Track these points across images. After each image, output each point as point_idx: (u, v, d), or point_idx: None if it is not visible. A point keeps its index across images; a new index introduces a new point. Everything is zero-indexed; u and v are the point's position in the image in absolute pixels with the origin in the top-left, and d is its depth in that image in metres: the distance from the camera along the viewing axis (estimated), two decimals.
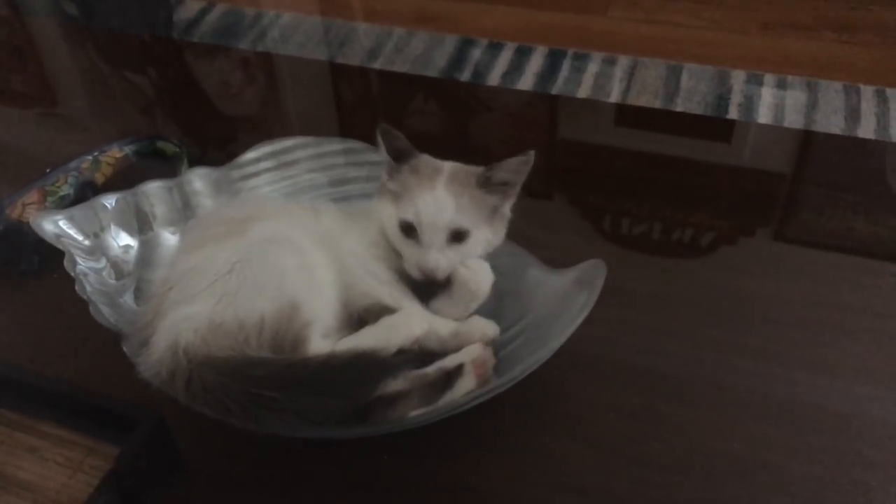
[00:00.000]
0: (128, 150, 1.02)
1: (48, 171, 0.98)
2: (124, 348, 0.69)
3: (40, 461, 0.70)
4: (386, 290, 0.73)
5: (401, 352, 0.67)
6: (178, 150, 1.03)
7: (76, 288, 0.74)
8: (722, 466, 0.70)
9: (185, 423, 0.69)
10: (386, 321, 0.69)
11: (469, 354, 0.69)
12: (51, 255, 0.85)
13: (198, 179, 0.86)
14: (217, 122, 1.18)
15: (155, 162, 1.04)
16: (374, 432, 0.65)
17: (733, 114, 1.77)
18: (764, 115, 1.74)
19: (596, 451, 0.72)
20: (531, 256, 0.80)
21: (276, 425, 0.63)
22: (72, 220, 0.81)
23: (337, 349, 0.66)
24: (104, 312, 0.72)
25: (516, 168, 0.73)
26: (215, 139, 1.11)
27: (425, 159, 0.75)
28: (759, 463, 0.70)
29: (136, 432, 0.68)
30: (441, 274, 0.72)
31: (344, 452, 0.71)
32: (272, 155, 0.88)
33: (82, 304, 0.73)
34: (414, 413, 0.65)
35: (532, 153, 0.71)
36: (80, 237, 0.80)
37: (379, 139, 0.74)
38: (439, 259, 0.71)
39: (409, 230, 0.72)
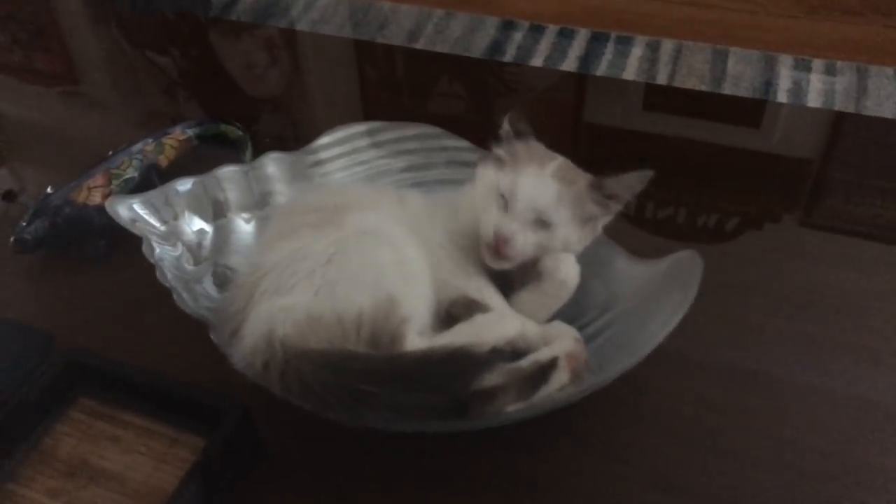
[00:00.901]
0: (191, 132, 1.01)
1: (111, 153, 0.97)
2: (212, 336, 0.68)
3: (124, 452, 0.69)
4: (473, 283, 0.71)
5: (494, 350, 0.65)
6: (241, 133, 1.01)
7: (157, 275, 0.72)
8: (813, 464, 0.69)
9: (269, 413, 0.68)
10: (480, 319, 0.67)
11: (562, 348, 0.67)
12: (118, 240, 0.84)
13: (271, 164, 0.84)
14: (267, 104, 1.16)
15: (218, 145, 1.02)
16: (471, 427, 0.64)
17: (782, 99, 1.73)
18: (813, 101, 1.71)
19: (685, 447, 0.71)
20: (615, 245, 0.78)
21: (374, 419, 0.61)
22: (147, 204, 0.79)
23: (433, 345, 0.65)
24: (188, 301, 0.70)
25: (631, 184, 0.70)
26: (270, 120, 1.09)
27: (541, 146, 0.73)
28: (852, 461, 0.69)
29: (222, 424, 0.67)
30: (515, 253, 0.69)
31: (432, 445, 0.70)
32: (345, 140, 0.86)
33: (158, 291, 0.72)
34: (511, 408, 0.63)
35: (650, 172, 0.68)
36: (155, 222, 0.79)
37: (506, 118, 0.72)
38: (517, 233, 0.68)
39: (502, 198, 0.70)
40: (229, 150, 1.01)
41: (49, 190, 0.92)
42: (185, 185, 0.81)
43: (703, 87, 1.74)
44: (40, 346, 0.78)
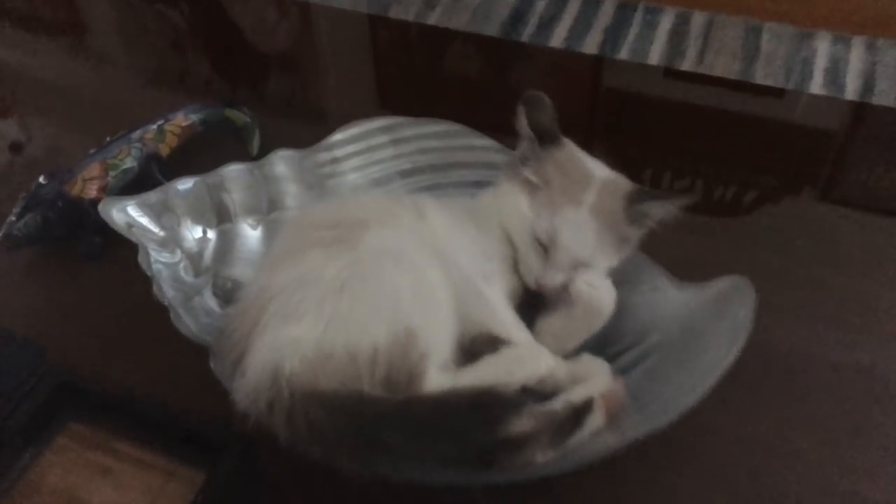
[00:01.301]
0: (194, 118, 0.93)
1: (108, 140, 0.90)
2: (212, 365, 0.61)
3: (115, 486, 0.64)
4: (496, 316, 0.64)
5: (524, 390, 0.59)
6: (248, 120, 0.94)
7: (153, 290, 0.66)
8: None
9: (273, 445, 0.62)
10: (510, 354, 0.61)
11: (598, 387, 0.61)
12: (114, 237, 0.77)
13: (281, 163, 0.77)
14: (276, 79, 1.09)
15: (223, 132, 0.95)
16: (496, 481, 0.57)
17: (818, 79, 1.65)
18: (852, 82, 1.62)
19: (731, 497, 0.65)
20: (654, 264, 0.71)
21: (390, 469, 0.55)
22: (144, 207, 0.73)
23: (456, 385, 0.58)
24: (186, 321, 0.64)
25: (669, 207, 0.64)
26: (279, 103, 1.01)
27: (571, 152, 0.67)
28: None
29: (224, 460, 0.61)
30: (554, 293, 0.64)
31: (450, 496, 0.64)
32: (360, 137, 0.79)
33: (157, 301, 0.66)
34: (540, 458, 0.57)
35: (691, 197, 0.63)
36: (153, 227, 0.72)
37: (520, 110, 0.65)
38: (560, 279, 0.64)
39: (539, 244, 0.63)
40: (235, 138, 0.94)
41: (41, 180, 0.86)
42: (185, 184, 0.74)
43: (736, 66, 1.65)
44: (31, 360, 0.71)
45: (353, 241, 0.62)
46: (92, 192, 0.85)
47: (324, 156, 0.78)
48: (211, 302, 0.70)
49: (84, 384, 0.67)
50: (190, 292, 0.70)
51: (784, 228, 0.85)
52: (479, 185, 0.78)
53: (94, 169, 0.86)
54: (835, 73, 1.65)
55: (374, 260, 0.61)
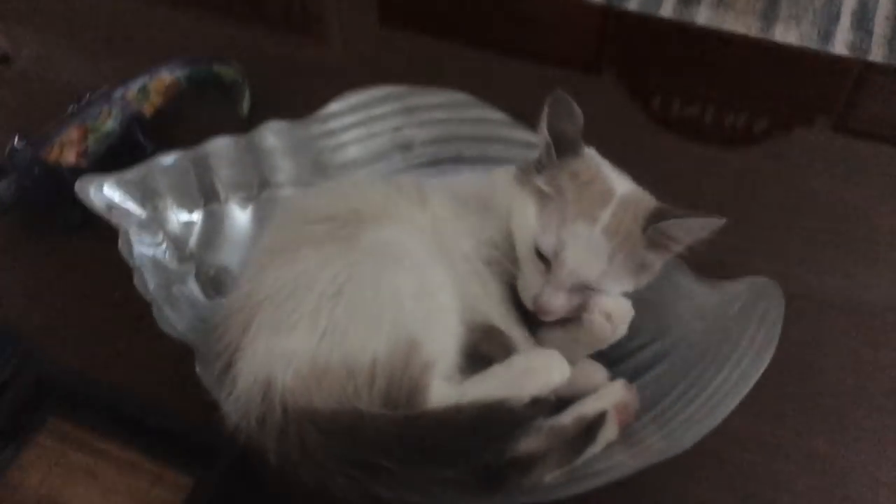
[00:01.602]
0: (180, 74, 0.87)
1: (87, 96, 0.84)
2: (198, 370, 0.57)
3: (100, 490, 0.60)
4: (498, 310, 0.60)
5: (535, 403, 0.55)
6: (238, 76, 0.87)
7: (135, 282, 0.62)
8: None
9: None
10: (520, 363, 0.56)
11: (612, 397, 0.57)
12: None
13: (272, 136, 0.71)
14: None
15: (211, 90, 0.88)
16: (511, 502, 0.54)
17: (845, 22, 1.56)
18: (879, 25, 1.53)
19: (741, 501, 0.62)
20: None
21: (387, 493, 0.52)
22: (123, 184, 0.67)
23: (462, 400, 0.54)
24: (171, 317, 0.60)
25: (696, 229, 0.56)
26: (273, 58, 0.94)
27: (592, 164, 0.59)
28: None
29: (215, 464, 0.58)
30: (552, 318, 0.59)
31: None
32: (359, 107, 0.73)
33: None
34: (549, 478, 0.54)
35: (720, 220, 0.55)
36: (134, 208, 0.67)
37: (545, 110, 0.57)
38: (558, 303, 0.58)
39: (542, 255, 0.58)
40: (223, 97, 0.88)
41: (16, 142, 0.80)
42: (168, 159, 0.69)
43: (759, 6, 1.55)
44: (2, 347, 0.67)
45: (349, 238, 0.57)
46: (70, 157, 0.79)
47: (318, 128, 0.72)
48: (195, 290, 0.66)
49: (65, 377, 0.63)
50: (173, 279, 0.65)
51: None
52: (487, 160, 0.72)
53: (72, 132, 0.80)
54: (862, 15, 1.56)
55: (372, 261, 0.56)
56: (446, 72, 0.91)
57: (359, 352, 0.53)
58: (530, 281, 0.59)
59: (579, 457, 0.55)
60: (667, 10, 1.61)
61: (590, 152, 0.60)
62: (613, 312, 0.58)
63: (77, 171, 0.79)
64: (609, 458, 0.55)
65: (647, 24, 0.99)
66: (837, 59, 0.95)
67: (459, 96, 0.74)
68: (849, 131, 0.93)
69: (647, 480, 0.59)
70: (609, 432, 0.56)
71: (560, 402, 0.57)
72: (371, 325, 0.54)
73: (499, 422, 0.53)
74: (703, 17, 1.61)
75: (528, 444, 0.53)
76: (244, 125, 0.85)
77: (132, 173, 0.68)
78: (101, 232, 0.71)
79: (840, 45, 1.53)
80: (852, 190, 0.83)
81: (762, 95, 0.93)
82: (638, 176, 0.62)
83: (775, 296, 0.58)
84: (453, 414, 0.53)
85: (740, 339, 0.58)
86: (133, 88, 0.84)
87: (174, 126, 0.86)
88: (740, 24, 1.58)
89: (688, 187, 0.74)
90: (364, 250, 0.56)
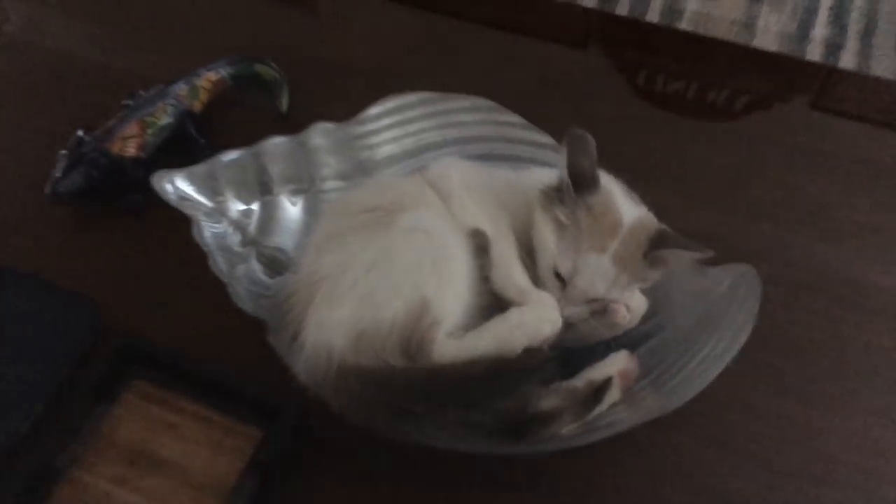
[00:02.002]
0: (224, 73, 0.96)
1: (140, 94, 0.93)
2: (270, 341, 0.68)
3: (181, 440, 0.71)
4: (512, 280, 0.69)
5: (528, 350, 0.65)
6: (277, 75, 0.97)
7: (210, 264, 0.72)
8: (847, 476, 0.72)
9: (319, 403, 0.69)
10: (515, 317, 0.66)
11: (617, 364, 0.68)
12: (155, 197, 0.82)
13: (319, 136, 0.81)
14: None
15: (253, 87, 0.98)
16: (530, 451, 0.65)
17: (822, 17, 1.67)
18: (854, 22, 1.64)
19: (725, 454, 0.73)
20: None
21: (423, 438, 0.63)
22: (192, 178, 0.77)
23: (464, 353, 0.64)
24: (241, 296, 0.70)
25: (686, 259, 0.67)
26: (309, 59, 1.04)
27: (607, 197, 0.67)
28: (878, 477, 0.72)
29: (282, 418, 0.69)
30: (570, 321, 0.69)
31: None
32: (394, 111, 0.83)
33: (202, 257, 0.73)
34: (566, 430, 0.65)
35: (710, 252, 0.65)
36: (201, 199, 0.77)
37: (564, 146, 0.66)
38: (572, 312, 0.68)
39: (559, 275, 0.68)
40: (264, 93, 0.97)
41: (80, 133, 0.89)
42: (230, 156, 0.79)
43: (742, 2, 1.66)
44: (88, 319, 0.78)
45: (388, 224, 0.67)
46: (131, 149, 0.89)
47: (358, 129, 0.82)
48: (257, 270, 0.76)
49: (146, 345, 0.74)
50: (236, 261, 0.75)
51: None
52: (506, 158, 0.83)
53: (132, 127, 0.89)
54: (839, 11, 1.67)
55: (403, 238, 0.66)
56: (460, 59, 1.02)
57: (384, 312, 0.63)
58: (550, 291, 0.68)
59: (589, 414, 0.66)
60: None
61: (605, 187, 0.68)
62: (632, 305, 0.69)
63: (137, 162, 0.89)
64: (614, 415, 0.67)
65: (635, 27, 1.09)
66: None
67: (481, 101, 0.84)
68: (826, 110, 1.02)
69: (644, 433, 0.71)
70: (614, 394, 0.67)
71: (571, 366, 0.68)
72: (394, 289, 0.64)
73: (504, 372, 0.64)
74: (693, 4, 1.71)
75: (548, 402, 0.64)
76: (283, 120, 0.96)
77: (199, 168, 0.77)
78: (161, 216, 0.81)
79: (818, 39, 1.64)
80: (825, 178, 0.93)
81: (743, 78, 1.03)
82: (623, 152, 0.71)
83: (753, 279, 0.70)
84: (467, 367, 0.63)
85: (723, 316, 0.69)
86: (184, 86, 0.93)
87: (220, 120, 0.96)
88: (727, 8, 1.68)
89: (668, 161, 0.84)
90: (398, 230, 0.67)
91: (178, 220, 0.76)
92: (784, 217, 0.89)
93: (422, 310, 0.63)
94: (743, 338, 0.66)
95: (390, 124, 0.83)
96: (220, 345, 0.76)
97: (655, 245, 0.66)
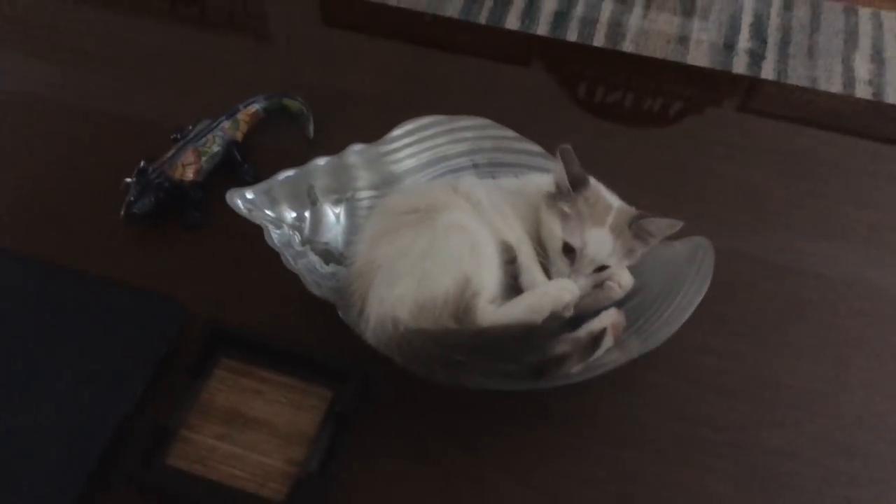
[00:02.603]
0: (258, 107, 1.14)
1: (190, 128, 1.10)
2: (341, 315, 0.86)
3: (267, 402, 0.88)
4: (529, 274, 0.90)
5: (553, 315, 0.85)
6: (303, 107, 1.15)
7: (283, 261, 0.90)
8: (786, 399, 0.93)
9: (375, 369, 0.87)
10: (542, 288, 0.87)
11: (609, 318, 0.88)
12: (210, 211, 1.03)
13: (353, 155, 1.00)
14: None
15: (281, 118, 1.16)
16: (545, 386, 0.84)
17: (745, 33, 1.91)
18: (773, 34, 1.89)
19: (694, 387, 0.94)
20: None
21: (468, 382, 0.82)
22: (257, 194, 0.95)
23: (502, 318, 0.84)
24: (310, 284, 0.88)
25: (663, 228, 0.88)
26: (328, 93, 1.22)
27: (596, 190, 0.89)
28: (821, 396, 0.93)
29: (351, 379, 0.87)
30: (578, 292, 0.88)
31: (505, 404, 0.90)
32: (413, 131, 1.02)
33: (258, 258, 0.92)
34: (574, 370, 0.84)
35: (680, 223, 0.86)
36: (265, 210, 0.95)
37: (559, 158, 0.88)
38: (582, 283, 0.88)
39: (568, 250, 0.88)
40: (291, 123, 1.16)
41: (142, 164, 1.06)
42: (285, 174, 0.97)
43: (676, 20, 1.89)
44: (174, 313, 0.95)
45: (430, 221, 0.87)
46: (190, 174, 1.06)
47: (385, 147, 1.01)
48: (315, 261, 0.94)
49: (228, 329, 0.91)
50: (298, 256, 0.93)
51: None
52: (503, 165, 1.03)
53: (189, 156, 1.06)
54: (759, 27, 1.91)
55: (444, 232, 0.86)
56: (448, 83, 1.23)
57: (438, 289, 0.83)
58: (560, 271, 0.89)
59: (591, 356, 0.85)
60: (606, 11, 1.93)
61: (593, 182, 0.90)
62: (622, 282, 0.91)
63: (195, 185, 1.06)
64: (609, 356, 0.86)
65: (578, 49, 1.30)
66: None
67: (481, 120, 1.03)
68: (745, 110, 1.25)
69: (630, 374, 0.91)
70: (608, 341, 0.87)
71: (577, 320, 0.88)
72: (444, 271, 0.84)
73: (534, 334, 0.83)
74: (636, 15, 1.93)
75: (559, 348, 0.84)
76: (310, 144, 1.14)
77: (261, 186, 0.95)
78: (216, 228, 1.00)
79: (742, 51, 1.87)
80: (753, 166, 1.15)
81: (676, 86, 1.25)
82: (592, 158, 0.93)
83: (707, 248, 0.90)
84: (505, 329, 0.83)
85: (685, 278, 0.89)
86: (227, 121, 1.11)
87: (259, 147, 1.13)
88: (664, 23, 1.91)
89: (613, 166, 1.03)
90: (440, 226, 0.87)
91: (230, 232, 0.97)
92: (725, 202, 1.11)
93: (465, 284, 0.83)
94: (702, 292, 0.86)
95: (410, 143, 1.02)
96: (288, 325, 0.94)
97: (636, 220, 0.88)
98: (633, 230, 0.88)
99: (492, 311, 0.85)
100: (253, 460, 0.84)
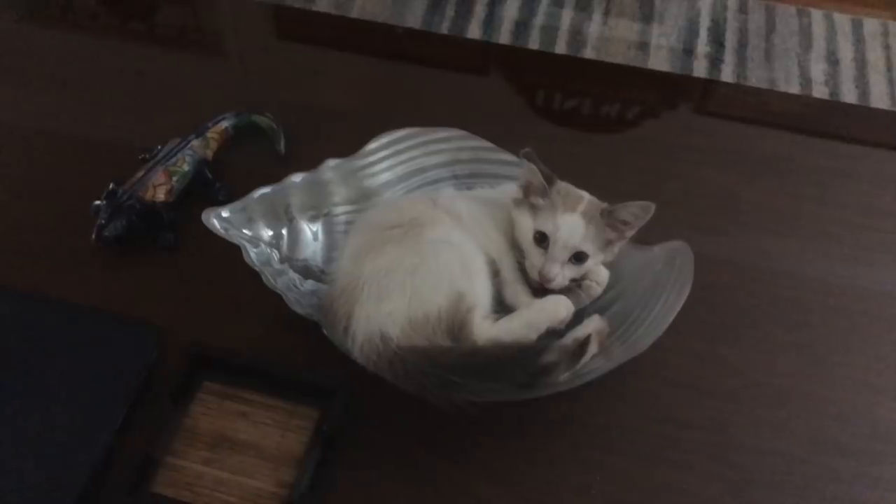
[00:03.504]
0: (227, 124, 1.13)
1: (158, 148, 1.08)
2: (325, 332, 0.86)
3: (252, 424, 0.87)
4: (510, 289, 0.91)
5: (549, 331, 0.86)
6: (272, 123, 1.14)
7: (264, 281, 0.89)
8: (768, 398, 0.94)
9: (362, 386, 0.86)
10: (538, 305, 0.87)
11: (593, 325, 0.89)
12: (184, 231, 1.02)
13: (329, 170, 0.99)
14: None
15: (250, 134, 1.15)
16: (534, 395, 0.84)
17: (703, 36, 1.94)
18: (730, 37, 1.92)
19: (677, 389, 0.95)
20: None
21: (458, 398, 0.81)
22: (233, 213, 0.94)
23: (499, 333, 0.84)
24: (293, 303, 0.87)
25: (636, 212, 0.89)
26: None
27: (566, 186, 0.91)
28: (801, 394, 0.94)
29: (338, 398, 0.86)
30: (555, 286, 0.89)
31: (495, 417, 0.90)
32: (388, 145, 1.02)
33: (234, 277, 0.92)
34: (562, 378, 0.85)
35: (652, 205, 0.87)
36: (242, 229, 0.93)
37: (527, 163, 0.89)
38: (559, 272, 0.88)
39: (541, 239, 0.89)
40: (262, 138, 1.15)
41: (111, 186, 1.04)
42: (259, 192, 0.96)
43: (635, 26, 1.92)
44: (151, 338, 0.93)
45: (415, 237, 0.87)
46: (161, 195, 1.04)
47: (360, 161, 1.01)
48: (295, 279, 0.93)
49: (210, 352, 0.89)
50: (277, 273, 0.92)
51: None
52: (479, 175, 1.03)
53: (160, 176, 1.05)
54: (716, 31, 1.95)
55: (433, 249, 0.86)
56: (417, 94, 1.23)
57: (431, 305, 0.83)
58: (534, 262, 0.89)
59: (577, 363, 0.86)
60: (565, 23, 1.95)
61: (564, 182, 0.92)
62: (599, 280, 0.92)
63: (167, 205, 1.04)
64: (594, 363, 0.87)
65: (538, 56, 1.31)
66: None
67: (454, 131, 1.03)
68: (707, 113, 1.28)
69: (615, 380, 0.91)
70: (593, 348, 0.87)
71: (561, 332, 0.88)
72: (436, 288, 0.84)
73: (527, 353, 0.83)
74: (595, 22, 1.95)
75: (548, 357, 0.84)
76: (282, 159, 1.13)
77: (236, 205, 0.94)
78: (191, 249, 0.98)
79: (701, 55, 1.91)
80: (721, 168, 1.17)
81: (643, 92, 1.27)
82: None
83: (686, 252, 0.91)
84: (501, 347, 0.83)
85: (666, 283, 0.90)
86: (197, 139, 1.09)
87: (229, 164, 1.12)
88: (623, 29, 1.94)
89: (584, 173, 1.03)
90: (428, 242, 0.86)
91: (205, 253, 0.96)
92: (695, 205, 1.12)
93: (458, 300, 0.83)
94: (684, 296, 0.87)
95: (385, 156, 1.02)
96: (269, 345, 0.93)
97: (606, 210, 0.89)
98: (606, 219, 0.89)
99: (488, 328, 0.85)
100: (242, 484, 0.83)
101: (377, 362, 0.82)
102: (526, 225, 0.90)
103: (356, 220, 0.97)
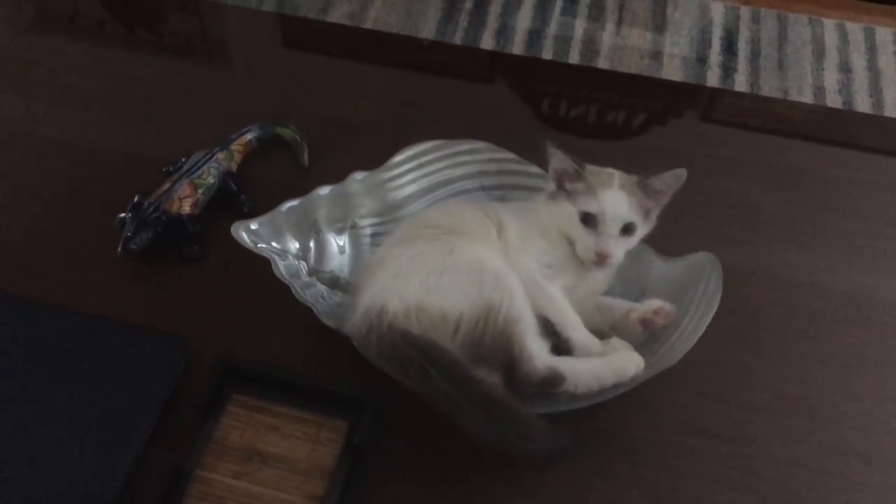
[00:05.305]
0: (251, 136, 1.13)
1: (182, 160, 1.09)
2: (356, 344, 0.85)
3: (283, 437, 0.87)
4: (554, 306, 0.89)
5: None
6: (296, 135, 1.14)
7: (294, 294, 0.89)
8: (793, 409, 0.94)
9: (391, 398, 0.87)
10: (611, 359, 0.86)
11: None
12: (208, 243, 1.02)
13: (356, 183, 0.99)
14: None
15: (274, 146, 1.15)
16: (563, 409, 0.84)
17: (716, 46, 1.95)
18: (743, 48, 1.93)
19: (703, 400, 0.95)
20: (644, 245, 0.97)
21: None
22: (261, 226, 0.94)
23: (558, 365, 0.85)
24: (323, 314, 0.87)
25: (669, 181, 0.91)
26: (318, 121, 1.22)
27: (594, 167, 0.93)
28: (827, 405, 0.94)
29: (366, 410, 0.86)
30: (614, 260, 0.90)
31: None
32: (413, 157, 1.02)
33: (259, 288, 0.92)
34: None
35: (684, 171, 0.89)
36: (271, 242, 0.94)
37: (556, 151, 0.91)
38: (614, 246, 0.89)
39: (588, 220, 0.89)
40: (285, 150, 1.15)
41: (136, 199, 1.04)
42: (288, 205, 0.96)
43: (648, 35, 1.92)
44: (177, 350, 0.93)
45: (448, 243, 0.87)
46: (187, 208, 1.04)
47: (387, 173, 1.01)
48: (323, 290, 0.93)
49: (239, 364, 0.90)
50: (306, 286, 0.93)
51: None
52: (504, 187, 1.03)
53: (185, 189, 1.05)
54: (729, 41, 1.95)
55: (469, 262, 0.86)
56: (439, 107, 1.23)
57: (451, 308, 0.82)
58: (586, 243, 0.89)
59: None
60: (578, 30, 1.96)
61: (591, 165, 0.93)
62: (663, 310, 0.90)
63: (193, 218, 1.05)
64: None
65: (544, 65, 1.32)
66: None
67: (480, 144, 1.04)
68: (713, 120, 1.28)
69: (647, 392, 0.91)
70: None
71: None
72: (461, 294, 0.83)
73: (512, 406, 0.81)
74: (609, 31, 1.96)
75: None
76: (306, 172, 1.13)
77: (265, 218, 0.94)
78: (215, 261, 0.99)
79: (714, 64, 1.91)
80: (743, 178, 1.17)
81: (651, 100, 1.27)
82: None
83: (713, 262, 0.91)
84: (497, 393, 0.80)
85: (695, 294, 0.90)
86: (222, 151, 1.10)
87: (254, 176, 1.12)
88: (636, 38, 1.94)
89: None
90: (462, 251, 0.86)
91: (231, 265, 0.97)
92: (718, 215, 1.12)
93: (487, 313, 0.82)
94: (713, 309, 0.87)
95: (410, 168, 1.02)
96: (297, 358, 0.93)
97: (643, 179, 0.91)
98: (642, 188, 0.91)
99: (547, 356, 0.86)
100: (273, 498, 0.83)
101: (365, 336, 0.83)
102: (568, 210, 0.90)
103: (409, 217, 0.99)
